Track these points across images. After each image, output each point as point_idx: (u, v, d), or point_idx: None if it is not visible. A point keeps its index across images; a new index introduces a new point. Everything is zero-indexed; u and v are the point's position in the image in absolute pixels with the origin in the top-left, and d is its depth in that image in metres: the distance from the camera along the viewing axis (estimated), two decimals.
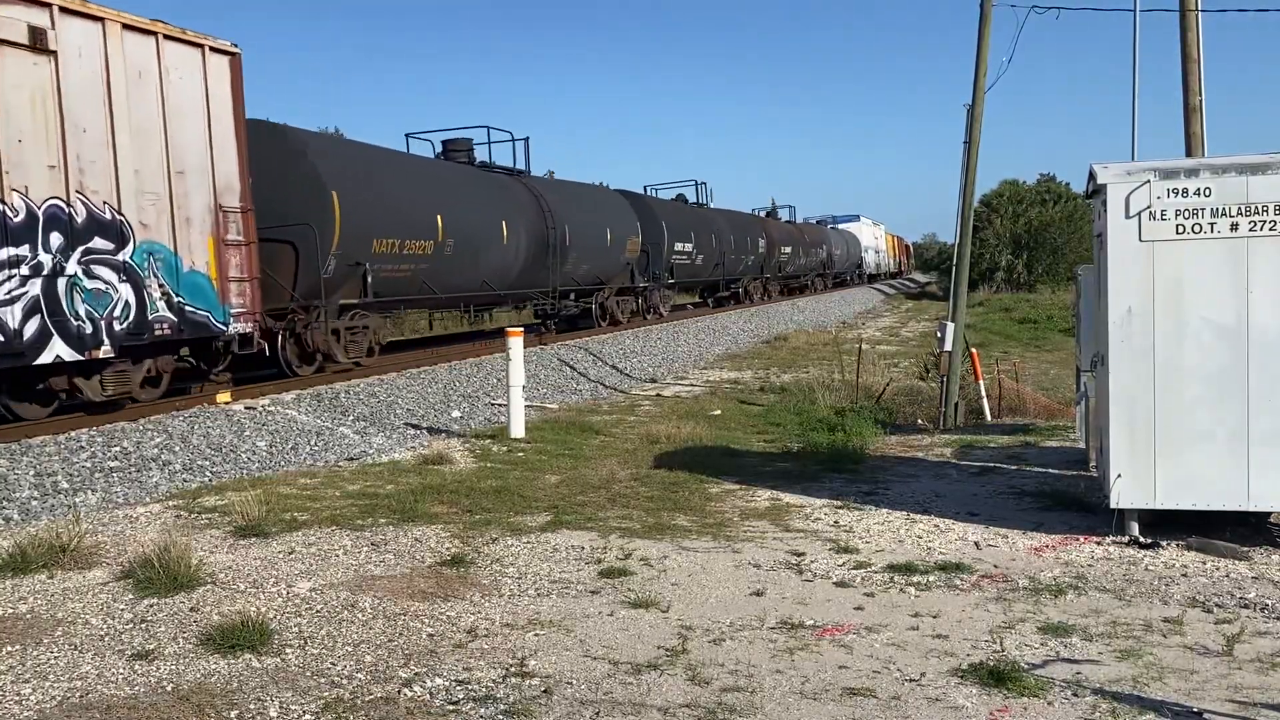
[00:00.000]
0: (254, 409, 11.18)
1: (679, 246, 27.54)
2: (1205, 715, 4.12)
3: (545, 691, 4.41)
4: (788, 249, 41.06)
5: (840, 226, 59.92)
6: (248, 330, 11.73)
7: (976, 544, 6.82)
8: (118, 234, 9.84)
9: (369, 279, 14.18)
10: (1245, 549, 6.44)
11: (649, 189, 31.22)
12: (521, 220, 18.68)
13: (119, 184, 9.86)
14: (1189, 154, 11.15)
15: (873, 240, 69.43)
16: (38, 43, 8.93)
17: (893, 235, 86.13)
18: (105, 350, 9.68)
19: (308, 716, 4.17)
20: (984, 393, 14.26)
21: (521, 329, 12.11)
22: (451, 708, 4.25)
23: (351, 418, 11.71)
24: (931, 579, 6.02)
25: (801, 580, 6.05)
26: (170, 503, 8.01)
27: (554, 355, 17.72)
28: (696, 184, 33.99)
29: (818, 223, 55.64)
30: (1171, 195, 6.53)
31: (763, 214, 43.16)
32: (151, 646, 4.88)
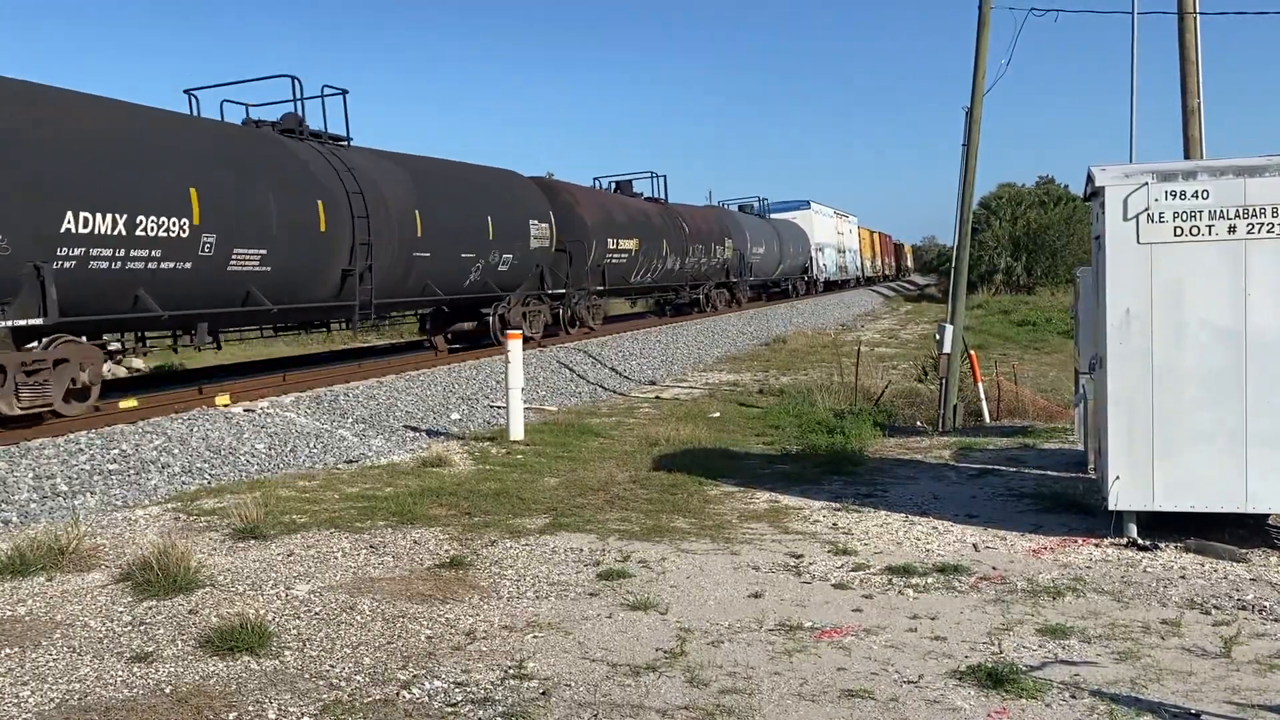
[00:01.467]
0: (253, 411, 11.18)
1: (146, 227, 10.46)
2: (1203, 717, 4.12)
3: (543, 694, 4.41)
4: (629, 244, 23.17)
5: (779, 216, 43.44)
6: None
7: (975, 546, 6.83)
8: None
9: None
10: (1243, 551, 6.44)
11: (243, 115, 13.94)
12: None
13: None
14: (1187, 156, 11.17)
15: (832, 236, 51.97)
16: None
17: (874, 231, 71.19)
18: None
19: (306, 718, 4.17)
20: (983, 395, 14.26)
21: (520, 331, 12.11)
22: (450, 710, 4.26)
23: (350, 420, 11.71)
24: (930, 581, 6.02)
25: (800, 582, 6.05)
26: (169, 505, 8.01)
27: (553, 357, 17.72)
28: (291, 106, 14.34)
29: (738, 206, 38.26)
30: (1169, 197, 6.53)
31: (610, 186, 27.08)
32: (150, 649, 4.89)
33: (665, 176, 29.49)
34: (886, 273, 77.98)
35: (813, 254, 45.88)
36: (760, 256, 36.32)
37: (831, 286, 51.79)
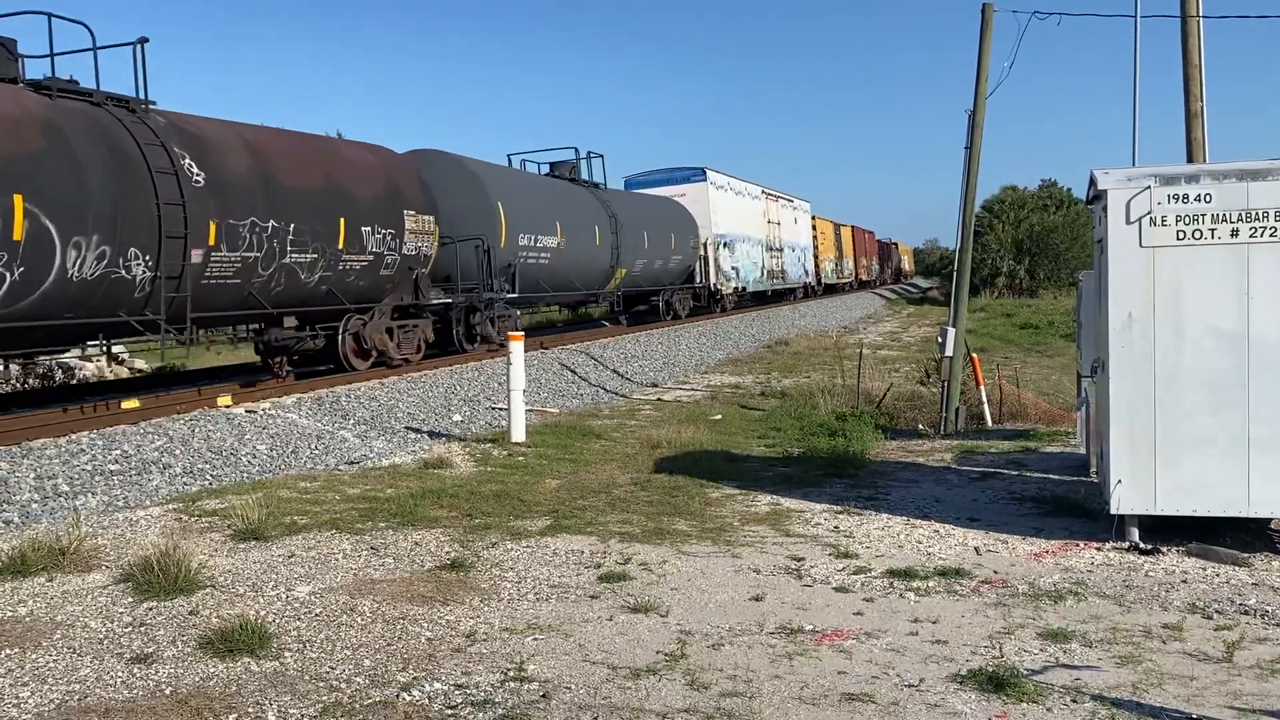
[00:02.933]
0: (254, 412, 11.18)
1: None
2: None
3: (544, 696, 4.40)
4: None
5: (648, 191, 28.48)
6: None
7: (976, 549, 6.81)
8: None
9: None
10: (1245, 555, 6.43)
11: None
12: None
13: None
14: (1190, 160, 11.15)
15: (753, 225, 34.65)
16: None
17: (841, 224, 55.63)
18: None
19: None
20: (985, 398, 14.26)
21: (522, 334, 12.11)
22: (450, 712, 4.25)
23: (352, 421, 11.71)
24: (931, 584, 6.01)
25: (801, 585, 6.04)
26: (170, 506, 8.01)
27: (555, 359, 17.72)
28: None
29: (549, 166, 23.44)
30: (1172, 201, 6.52)
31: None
32: (150, 650, 4.89)
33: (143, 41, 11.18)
34: (865, 277, 62.73)
35: (708, 252, 28.97)
36: (555, 253, 19.51)
37: (759, 299, 36.35)
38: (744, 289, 33.14)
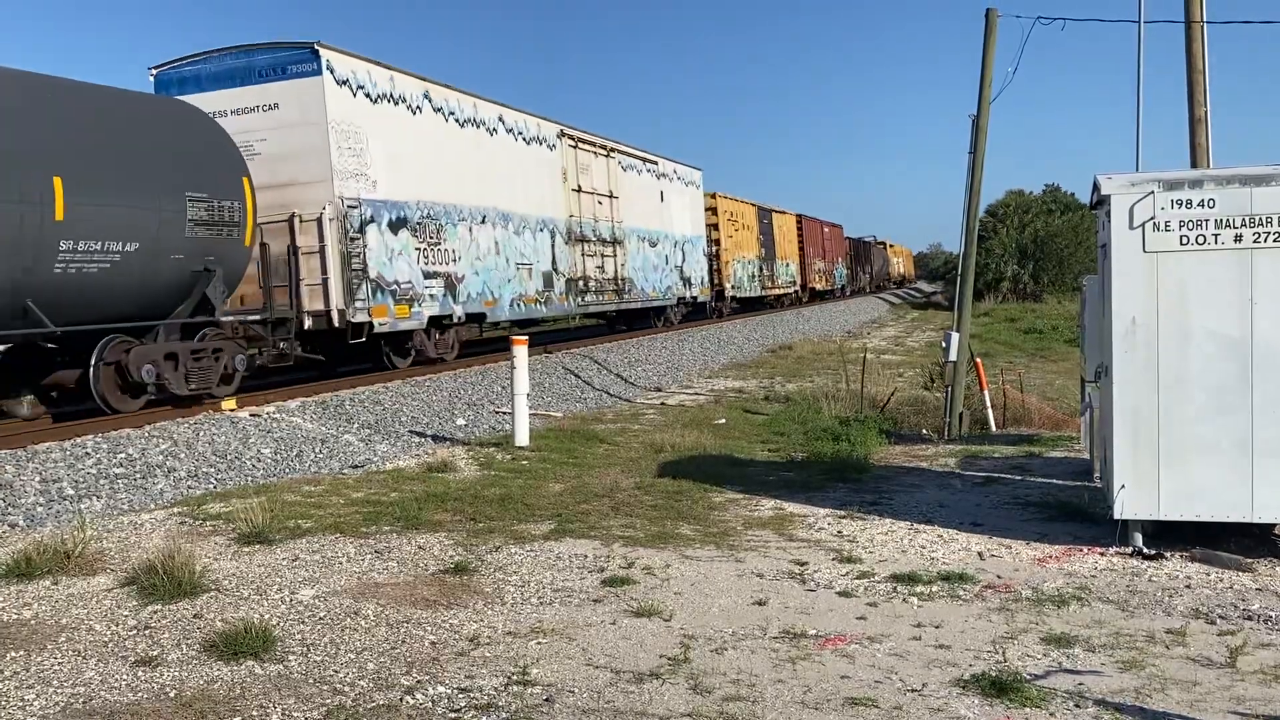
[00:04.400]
0: (259, 416, 11.21)
1: None
2: None
3: (547, 700, 4.41)
4: None
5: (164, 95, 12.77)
6: None
7: (980, 554, 6.81)
8: None
9: None
10: (1249, 560, 6.42)
11: None
12: None
13: None
14: (1194, 165, 11.15)
15: (538, 197, 18.87)
16: None
17: (766, 209, 38.25)
18: None
19: None
20: (989, 403, 14.27)
21: (526, 337, 12.12)
22: (453, 716, 4.26)
23: (356, 425, 11.73)
24: (935, 589, 6.01)
25: (804, 590, 6.05)
26: (175, 509, 8.03)
27: (559, 363, 17.74)
28: None
29: None
30: (1176, 206, 6.52)
31: None
32: (155, 653, 4.90)
33: None
34: (821, 285, 47.19)
35: (328, 235, 13.17)
36: None
37: (593, 330, 25.85)
38: (479, 316, 17.20)
